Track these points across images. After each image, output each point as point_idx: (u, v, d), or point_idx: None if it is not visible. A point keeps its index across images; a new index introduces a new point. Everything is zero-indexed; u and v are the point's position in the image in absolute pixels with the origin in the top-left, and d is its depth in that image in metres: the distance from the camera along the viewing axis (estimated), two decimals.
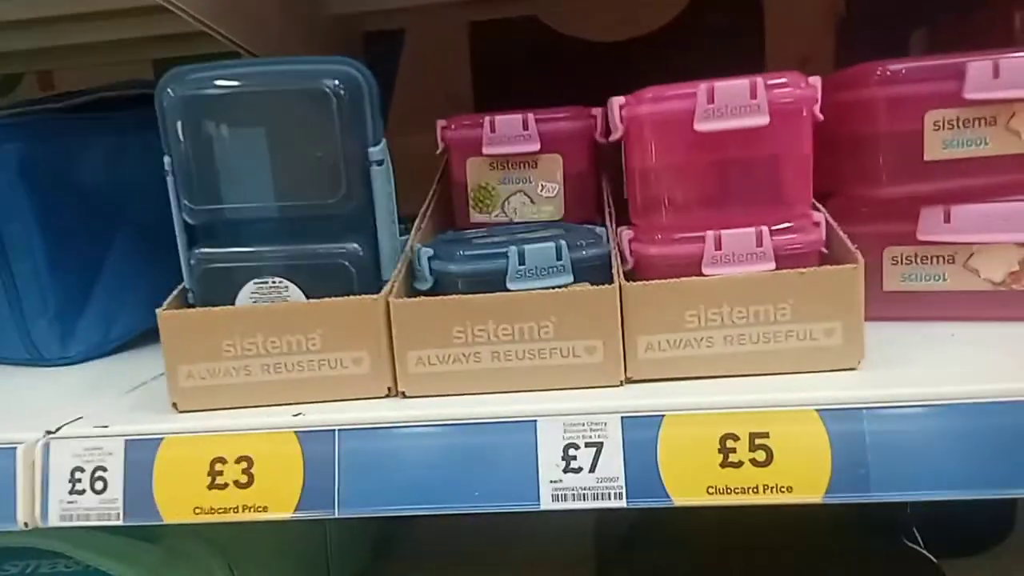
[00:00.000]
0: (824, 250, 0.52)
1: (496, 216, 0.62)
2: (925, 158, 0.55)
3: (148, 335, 0.75)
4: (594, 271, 0.51)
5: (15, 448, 0.50)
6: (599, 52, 1.11)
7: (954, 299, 0.58)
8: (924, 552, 0.54)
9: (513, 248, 0.50)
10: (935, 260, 0.58)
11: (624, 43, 1.08)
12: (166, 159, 0.52)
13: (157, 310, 0.51)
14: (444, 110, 0.66)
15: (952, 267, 0.58)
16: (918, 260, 0.58)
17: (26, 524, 0.49)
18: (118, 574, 0.67)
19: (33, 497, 0.49)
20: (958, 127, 0.54)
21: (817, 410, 0.44)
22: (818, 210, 0.53)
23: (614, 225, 0.57)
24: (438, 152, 0.65)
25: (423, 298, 0.50)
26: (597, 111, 0.63)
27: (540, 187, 0.61)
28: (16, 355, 0.70)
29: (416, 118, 0.73)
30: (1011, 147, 0.54)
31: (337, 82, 0.49)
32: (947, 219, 0.56)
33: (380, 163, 0.51)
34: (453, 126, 0.62)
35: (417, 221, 0.60)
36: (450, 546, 1.10)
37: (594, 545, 0.70)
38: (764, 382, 0.48)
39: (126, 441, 0.49)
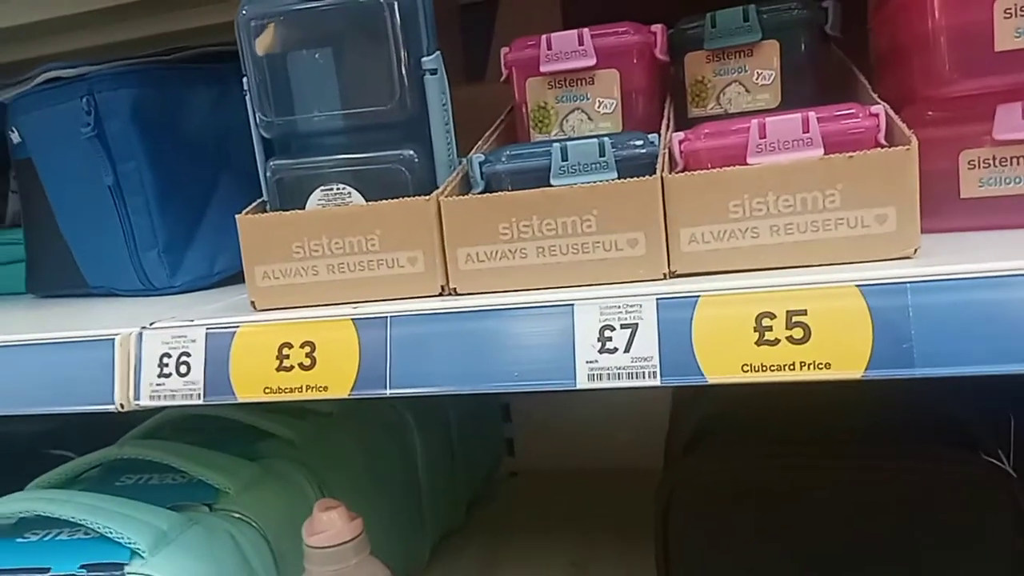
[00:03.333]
0: (883, 142, 0.50)
1: (555, 135, 0.63)
2: (996, 48, 0.52)
3: None
4: (642, 170, 0.52)
5: (114, 338, 0.56)
6: (701, 9, 1.10)
7: None
8: (1001, 464, 0.51)
9: (556, 145, 0.51)
10: (1015, 161, 0.55)
11: None
12: (244, 79, 0.57)
13: (237, 215, 0.56)
14: None
15: None
16: (996, 162, 0.55)
17: (122, 405, 0.55)
18: (218, 484, 0.73)
19: (128, 381, 0.55)
20: None
21: (858, 285, 0.42)
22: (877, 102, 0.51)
23: (669, 134, 0.57)
24: (502, 79, 0.67)
25: (471, 196, 0.53)
26: (657, 27, 0.63)
27: (597, 104, 0.62)
28: (131, 285, 0.78)
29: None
30: None
31: None
32: None
33: (434, 72, 0.54)
34: (514, 48, 0.64)
35: (479, 143, 0.63)
36: (531, 510, 1.12)
37: (664, 451, 0.70)
38: (814, 272, 0.47)
39: (207, 330, 0.54)
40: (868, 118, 0.49)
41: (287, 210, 0.56)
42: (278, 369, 0.52)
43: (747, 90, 0.63)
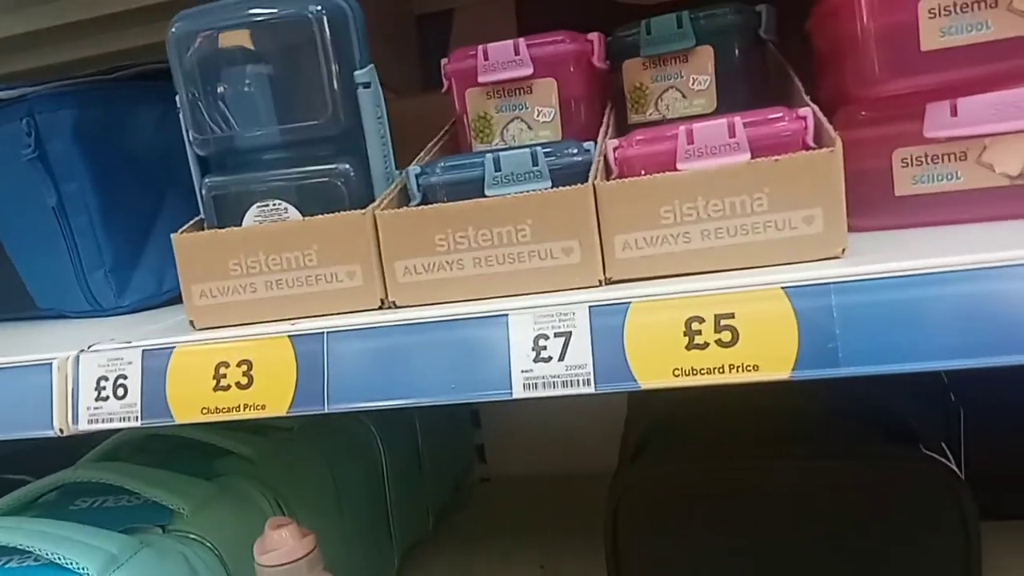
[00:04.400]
0: (811, 144, 0.51)
1: (496, 144, 0.63)
2: (923, 48, 0.53)
3: None
4: (576, 178, 0.52)
5: (51, 362, 0.55)
6: (653, 15, 1.11)
7: (969, 198, 0.55)
8: (946, 463, 0.52)
9: (489, 155, 0.51)
10: (946, 158, 0.55)
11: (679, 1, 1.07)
12: (177, 97, 0.56)
13: (172, 235, 0.56)
14: None
15: (965, 164, 0.55)
16: (928, 160, 0.56)
17: (61, 430, 0.54)
18: (172, 505, 0.72)
19: (66, 405, 0.54)
20: (955, 12, 0.52)
21: (783, 287, 0.43)
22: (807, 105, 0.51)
23: (606, 141, 0.58)
24: (443, 91, 0.67)
25: (406, 208, 0.53)
26: (594, 35, 0.63)
27: (536, 112, 0.62)
28: (79, 307, 0.77)
29: None
30: (1016, 29, 0.51)
31: (320, 7, 0.52)
32: (954, 112, 0.54)
33: (367, 85, 0.54)
34: (453, 59, 0.64)
35: (421, 154, 0.63)
36: (502, 516, 1.12)
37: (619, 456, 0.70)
38: (743, 275, 0.47)
39: (143, 352, 0.53)
40: (794, 121, 0.50)
41: (224, 227, 0.56)
42: (215, 389, 0.51)
43: (684, 96, 0.63)
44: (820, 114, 0.51)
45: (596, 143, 0.57)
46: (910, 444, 0.54)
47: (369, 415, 0.98)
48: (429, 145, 0.65)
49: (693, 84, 0.62)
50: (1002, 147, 0.53)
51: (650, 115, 0.65)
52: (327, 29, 0.52)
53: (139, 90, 0.76)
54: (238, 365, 0.51)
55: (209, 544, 0.69)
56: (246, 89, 0.54)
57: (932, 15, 0.52)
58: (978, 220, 0.55)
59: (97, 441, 0.88)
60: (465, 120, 0.65)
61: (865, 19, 0.54)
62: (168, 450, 0.84)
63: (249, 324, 0.55)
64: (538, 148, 0.51)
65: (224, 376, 0.51)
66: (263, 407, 0.50)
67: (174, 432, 0.85)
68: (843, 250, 0.47)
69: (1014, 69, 0.52)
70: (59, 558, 0.61)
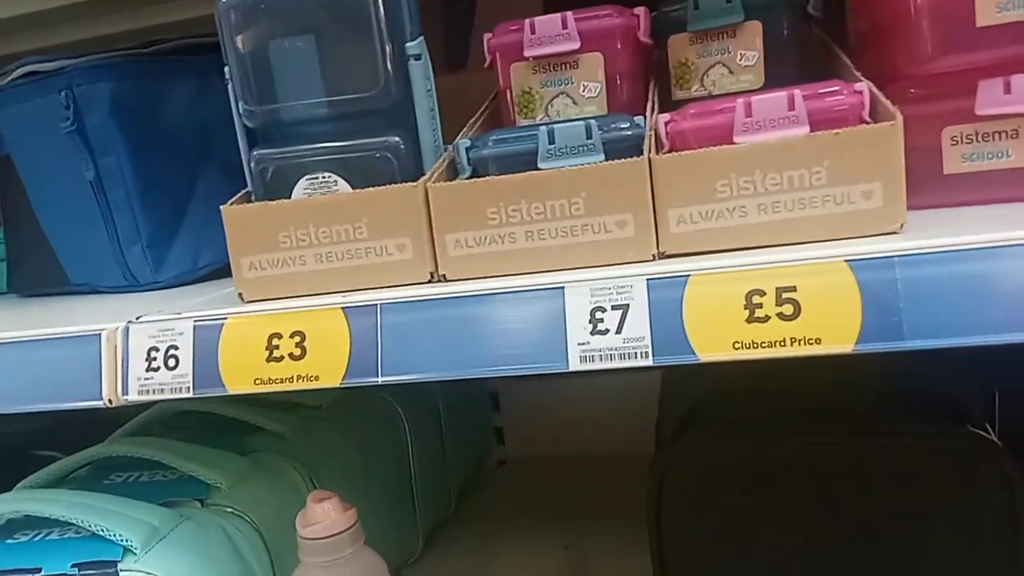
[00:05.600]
0: (867, 119, 0.50)
1: (540, 119, 0.63)
2: (978, 24, 0.53)
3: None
4: (628, 151, 0.52)
5: (100, 334, 0.55)
6: None
7: (1020, 176, 0.55)
8: (988, 435, 0.52)
9: (543, 128, 0.51)
10: (997, 136, 0.55)
11: None
12: (226, 68, 0.56)
13: (221, 207, 0.56)
14: None
15: (1016, 142, 0.55)
16: (979, 138, 0.55)
17: (110, 401, 0.55)
18: (209, 479, 0.72)
19: (116, 376, 0.54)
20: None
21: (847, 260, 0.43)
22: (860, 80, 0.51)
23: (655, 116, 0.57)
24: (486, 65, 0.67)
25: (458, 181, 0.52)
26: (640, 10, 0.63)
27: (582, 87, 0.62)
28: (115, 282, 0.77)
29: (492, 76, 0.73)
30: None
31: None
32: (1007, 89, 0.53)
33: (418, 57, 0.54)
34: (497, 33, 0.64)
35: (464, 129, 0.62)
36: (523, 497, 1.12)
37: (656, 435, 0.70)
38: (802, 249, 0.47)
39: (195, 323, 0.54)
40: (852, 95, 0.49)
41: (273, 200, 0.56)
42: (268, 360, 0.51)
43: (731, 71, 0.63)
44: (875, 89, 0.50)
45: (645, 118, 0.57)
46: (957, 421, 0.54)
47: (395, 393, 0.98)
48: (472, 120, 0.65)
49: (740, 60, 0.62)
50: None
51: (695, 91, 0.64)
52: (380, 2, 0.52)
53: (176, 65, 0.76)
54: (291, 336, 0.51)
55: (248, 518, 0.70)
56: (297, 61, 0.54)
57: None
58: None
59: (125, 419, 0.88)
60: (509, 95, 0.64)
61: None
62: (199, 427, 0.84)
63: (299, 296, 0.55)
64: (592, 121, 0.51)
65: (277, 347, 0.51)
66: (316, 378, 0.50)
67: (207, 408, 0.85)
68: (902, 225, 0.47)
69: None
70: (102, 530, 0.61)
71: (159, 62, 0.75)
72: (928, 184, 0.57)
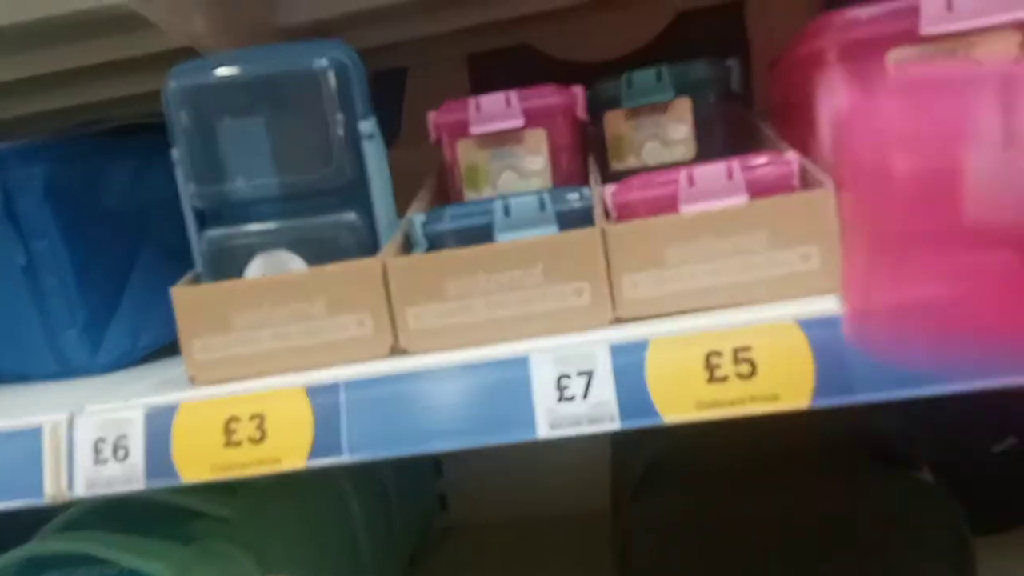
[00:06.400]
0: (797, 186, 0.54)
1: (487, 193, 0.65)
2: None
3: (174, 349, 0.78)
4: (579, 222, 0.54)
5: (40, 427, 0.53)
6: (595, 72, 1.16)
7: None
8: (934, 482, 0.55)
9: (498, 202, 0.52)
10: (938, 57, 0.58)
11: (617, 60, 1.12)
12: (173, 151, 0.56)
13: (171, 288, 0.55)
14: None
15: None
16: (922, 59, 0.58)
17: (53, 498, 0.52)
18: (153, 571, 0.69)
19: (60, 471, 0.52)
20: None
21: (796, 320, 0.45)
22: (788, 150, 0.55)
23: (599, 187, 0.60)
24: (431, 141, 0.68)
25: (416, 255, 0.53)
26: (577, 90, 0.66)
27: (527, 161, 0.64)
28: (45, 368, 0.74)
29: (424, 151, 0.76)
30: None
31: (326, 62, 0.53)
32: (949, 7, 0.56)
33: (371, 137, 0.55)
34: (442, 111, 0.66)
35: (412, 205, 0.64)
36: (474, 563, 1.11)
37: (612, 496, 0.71)
38: (752, 310, 0.49)
39: (145, 411, 0.52)
40: (783, 164, 0.53)
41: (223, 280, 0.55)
42: (226, 445, 0.50)
43: (664, 144, 0.66)
44: (805, 159, 0.54)
45: (590, 189, 0.59)
46: (899, 466, 0.57)
47: (339, 468, 0.96)
48: (421, 194, 0.66)
49: (673, 134, 0.66)
50: (989, 43, 0.56)
51: (631, 163, 0.68)
52: (332, 82, 0.53)
53: (113, 145, 0.75)
54: (250, 419, 0.50)
55: None
56: (248, 141, 0.54)
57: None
58: None
59: (51, 515, 0.83)
60: (456, 170, 0.66)
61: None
62: (136, 516, 0.80)
63: (254, 378, 0.54)
64: (544, 194, 0.53)
65: (235, 431, 0.50)
66: (278, 461, 0.49)
67: (143, 496, 0.82)
68: (839, 286, 0.50)
69: None
70: None
71: (95, 143, 0.74)
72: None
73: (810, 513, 0.55)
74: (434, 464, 1.26)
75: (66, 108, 0.82)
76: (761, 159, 0.53)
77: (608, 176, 0.67)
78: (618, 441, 0.77)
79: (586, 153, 0.69)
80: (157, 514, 0.80)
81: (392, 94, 1.19)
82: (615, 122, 0.68)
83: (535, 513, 1.20)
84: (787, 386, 0.44)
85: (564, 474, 1.19)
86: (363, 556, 0.95)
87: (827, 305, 0.46)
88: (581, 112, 0.66)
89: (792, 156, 0.54)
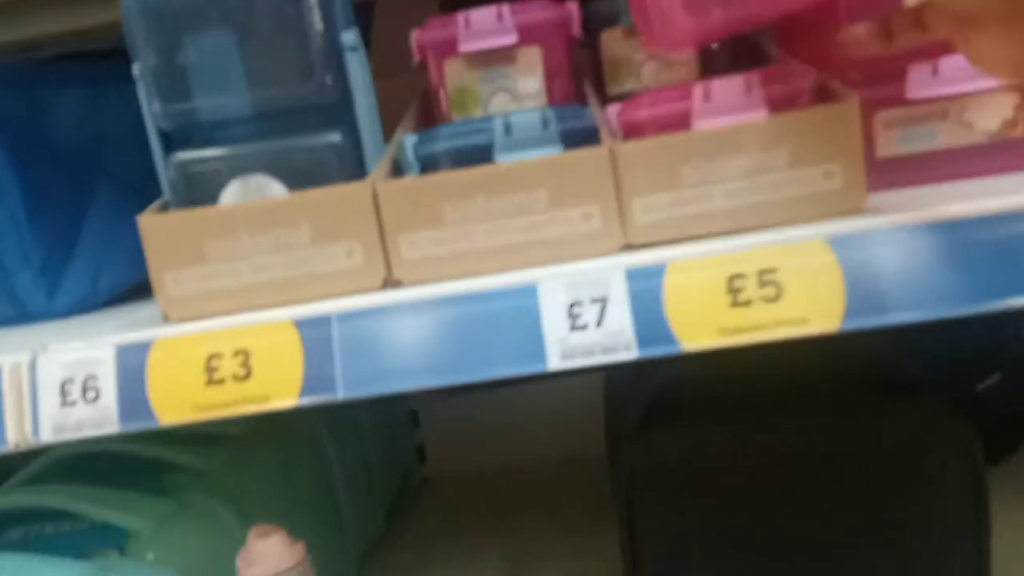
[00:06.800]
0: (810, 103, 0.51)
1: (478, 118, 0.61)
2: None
3: (141, 291, 0.73)
4: (584, 143, 0.50)
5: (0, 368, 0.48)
6: None
7: (950, 157, 0.57)
8: (949, 410, 0.53)
9: (498, 120, 0.48)
10: (927, 118, 0.57)
11: None
12: (134, 66, 0.51)
13: (138, 216, 0.50)
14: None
15: (945, 124, 0.57)
16: (910, 121, 0.57)
17: (16, 444, 0.48)
18: (127, 524, 0.65)
19: (22, 415, 0.48)
20: None
21: (826, 239, 0.42)
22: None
23: (600, 108, 0.56)
24: (415, 64, 0.63)
25: (411, 178, 0.49)
26: (572, 5, 0.61)
27: (521, 83, 0.60)
28: (1, 312, 0.68)
29: (396, 82, 0.70)
30: None
31: None
32: (935, 72, 0.55)
33: (354, 49, 0.50)
34: (428, 28, 0.61)
35: (397, 130, 0.59)
36: (453, 513, 1.09)
37: (608, 435, 0.69)
38: (771, 233, 0.46)
39: (116, 348, 0.48)
40: (801, 79, 0.49)
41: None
42: (208, 383, 0.46)
43: (666, 65, 0.62)
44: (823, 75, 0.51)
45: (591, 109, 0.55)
46: (914, 396, 0.56)
47: (319, 416, 0.93)
48: (404, 121, 0.61)
49: (676, 53, 0.62)
50: (982, 105, 0.55)
51: (630, 87, 0.64)
52: None
53: (61, 72, 0.69)
54: (234, 355, 0.46)
55: (176, 565, 0.63)
56: (220, 54, 0.49)
57: None
58: (957, 178, 0.57)
59: (15, 469, 0.79)
60: (443, 94, 0.61)
61: None
62: (106, 469, 0.76)
63: (233, 314, 0.50)
64: (548, 111, 0.49)
65: (216, 369, 0.46)
66: (266, 399, 0.46)
67: (111, 448, 0.77)
68: (863, 205, 0.47)
69: None
70: None
71: (42, 70, 0.68)
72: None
73: (828, 443, 0.53)
74: (411, 415, 1.23)
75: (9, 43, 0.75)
76: (778, 73, 0.49)
77: (605, 101, 0.63)
78: (612, 382, 0.74)
79: (581, 76, 0.65)
80: (129, 467, 0.76)
81: (360, 26, 1.13)
82: (613, 42, 0.64)
83: (513, 461, 1.19)
84: (816, 309, 0.42)
85: (545, 421, 1.18)
86: (342, 507, 0.93)
87: (855, 224, 0.43)
88: (576, 29, 0.62)
89: (808, 70, 0.51)
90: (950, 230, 0.41)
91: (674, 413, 0.58)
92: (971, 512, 0.52)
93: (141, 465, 0.75)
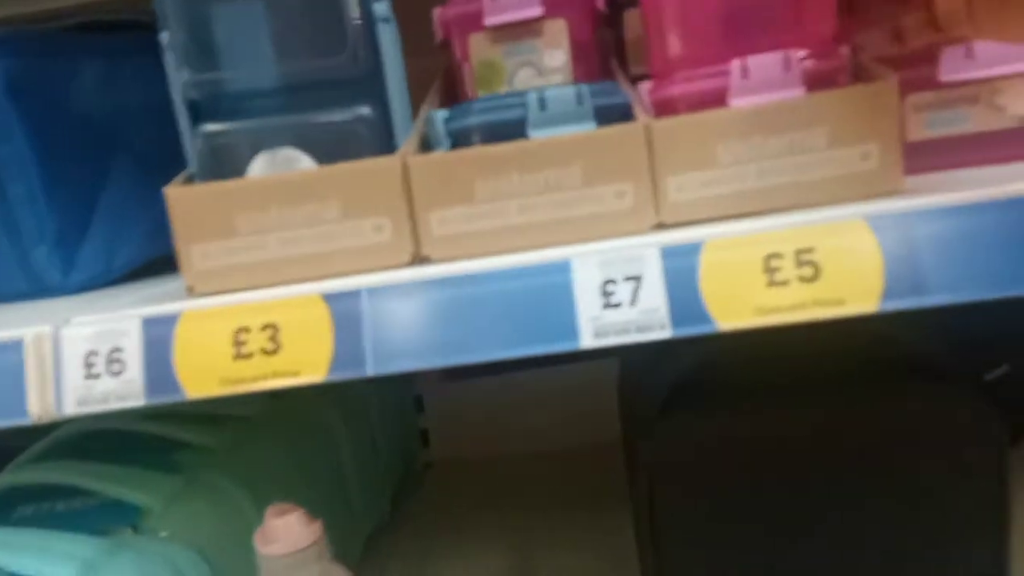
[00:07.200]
0: (848, 82, 0.50)
1: (504, 93, 0.60)
2: None
3: (155, 268, 0.72)
4: (618, 120, 0.49)
5: (22, 340, 0.47)
6: None
7: (981, 141, 0.57)
8: (974, 395, 0.53)
9: (532, 95, 0.48)
10: (959, 102, 0.56)
11: None
12: (162, 35, 0.50)
13: (164, 188, 0.49)
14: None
15: (976, 108, 0.56)
16: (941, 105, 0.57)
17: (40, 417, 0.47)
18: (139, 501, 0.64)
19: (46, 387, 0.47)
20: None
21: (865, 219, 0.42)
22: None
23: (629, 83, 0.55)
24: (437, 43, 0.63)
25: (442, 153, 0.48)
26: None
27: (547, 56, 0.59)
28: (15, 287, 0.67)
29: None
30: None
31: None
32: (969, 55, 0.55)
33: (386, 20, 0.49)
34: (451, 4, 0.60)
35: (423, 106, 0.58)
36: (458, 497, 1.09)
37: (624, 420, 0.68)
38: (806, 213, 0.46)
39: (143, 320, 0.47)
40: (839, 57, 0.49)
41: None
42: (236, 357, 0.45)
43: None
44: (859, 53, 0.51)
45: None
46: (939, 381, 0.55)
47: (327, 399, 0.93)
48: (429, 97, 0.61)
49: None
50: (1014, 90, 0.55)
51: None
52: None
53: (83, 42, 0.68)
54: (262, 329, 0.45)
55: (190, 542, 0.63)
56: (250, 25, 0.48)
57: None
58: (988, 163, 0.56)
59: (23, 447, 0.78)
60: (468, 69, 0.61)
61: None
62: (115, 447, 0.75)
63: (260, 288, 0.49)
64: (583, 87, 0.48)
65: (244, 343, 0.46)
66: (296, 373, 0.45)
67: (119, 427, 0.77)
68: (900, 186, 0.47)
69: None
70: (26, 569, 0.53)
71: (64, 38, 0.67)
72: None
73: (854, 428, 0.53)
74: (415, 400, 1.23)
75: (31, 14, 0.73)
76: (815, 50, 0.49)
77: (632, 80, 0.62)
78: (628, 368, 0.74)
79: (606, 53, 0.64)
80: (137, 445, 0.75)
81: None
82: (637, 21, 0.63)
83: (517, 448, 1.19)
84: (854, 289, 0.41)
85: (544, 408, 1.18)
86: (351, 489, 0.92)
87: (894, 204, 0.43)
88: (601, 3, 0.61)
89: (845, 49, 0.50)
90: (987, 210, 0.41)
91: (697, 399, 0.57)
92: (994, 497, 0.52)
93: (150, 444, 0.75)
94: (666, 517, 0.54)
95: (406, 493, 1.12)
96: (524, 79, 0.60)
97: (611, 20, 0.65)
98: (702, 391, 0.57)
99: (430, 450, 1.26)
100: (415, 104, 0.58)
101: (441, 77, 0.66)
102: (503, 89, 0.60)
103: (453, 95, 0.64)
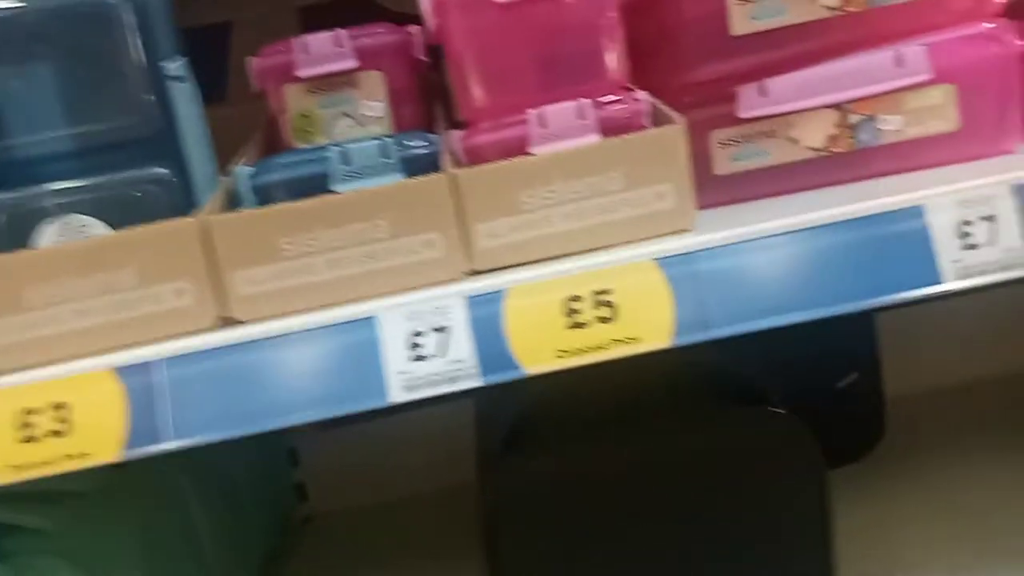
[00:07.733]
0: (648, 125, 0.52)
1: (322, 144, 0.59)
2: (733, 33, 0.57)
3: None
4: (426, 170, 0.49)
5: None
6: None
7: (780, 173, 0.60)
8: (791, 416, 0.56)
9: (334, 149, 0.47)
10: (758, 137, 0.60)
11: None
12: None
13: None
14: None
15: (774, 141, 0.60)
16: (742, 139, 0.60)
17: None
18: None
19: None
20: None
21: (654, 259, 0.43)
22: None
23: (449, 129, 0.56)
24: (255, 90, 0.62)
25: (242, 211, 0.47)
26: (415, 29, 0.61)
27: (364, 107, 0.59)
28: None
29: (254, 109, 0.68)
30: (810, 14, 0.57)
31: None
32: (763, 93, 0.58)
33: (179, 79, 0.48)
34: (264, 55, 0.59)
35: (235, 159, 0.57)
36: (340, 551, 1.06)
37: (478, 459, 0.68)
38: (609, 253, 0.47)
39: None
40: (635, 103, 0.51)
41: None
42: (23, 442, 0.42)
43: None
44: (654, 98, 0.53)
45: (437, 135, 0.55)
46: (756, 403, 0.58)
47: (179, 464, 0.88)
48: (245, 150, 0.59)
49: None
50: (806, 123, 0.58)
51: None
52: (130, 16, 0.46)
53: None
54: (53, 409, 0.43)
55: None
56: (35, 88, 0.46)
57: (741, 1, 0.56)
58: (791, 191, 0.60)
59: None
60: (284, 120, 0.60)
61: (681, 7, 0.57)
62: None
63: (55, 364, 0.46)
64: (387, 139, 0.48)
65: (30, 425, 0.43)
66: (87, 455, 0.43)
67: None
68: (692, 223, 0.49)
69: (816, 50, 0.57)
70: None
71: None
72: (700, 185, 0.60)
73: (682, 456, 0.54)
74: (289, 453, 1.19)
75: None
76: (611, 97, 0.51)
77: (456, 125, 0.63)
78: (481, 405, 0.74)
79: (430, 100, 0.65)
80: None
81: (215, 50, 1.09)
82: None
83: (398, 494, 1.17)
84: (648, 327, 0.43)
85: (429, 449, 1.16)
86: (207, 558, 0.88)
87: (684, 242, 0.44)
88: (420, 53, 0.61)
89: (642, 94, 0.52)
90: (775, 243, 0.43)
91: (531, 438, 0.58)
92: (815, 513, 0.54)
93: None
94: (508, 558, 0.54)
95: (284, 551, 1.08)
96: (343, 129, 0.59)
97: (436, 64, 0.66)
98: (535, 431, 0.57)
99: (309, 504, 1.22)
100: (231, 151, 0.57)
101: (264, 127, 0.65)
102: (321, 140, 0.59)
103: (273, 146, 0.63)
